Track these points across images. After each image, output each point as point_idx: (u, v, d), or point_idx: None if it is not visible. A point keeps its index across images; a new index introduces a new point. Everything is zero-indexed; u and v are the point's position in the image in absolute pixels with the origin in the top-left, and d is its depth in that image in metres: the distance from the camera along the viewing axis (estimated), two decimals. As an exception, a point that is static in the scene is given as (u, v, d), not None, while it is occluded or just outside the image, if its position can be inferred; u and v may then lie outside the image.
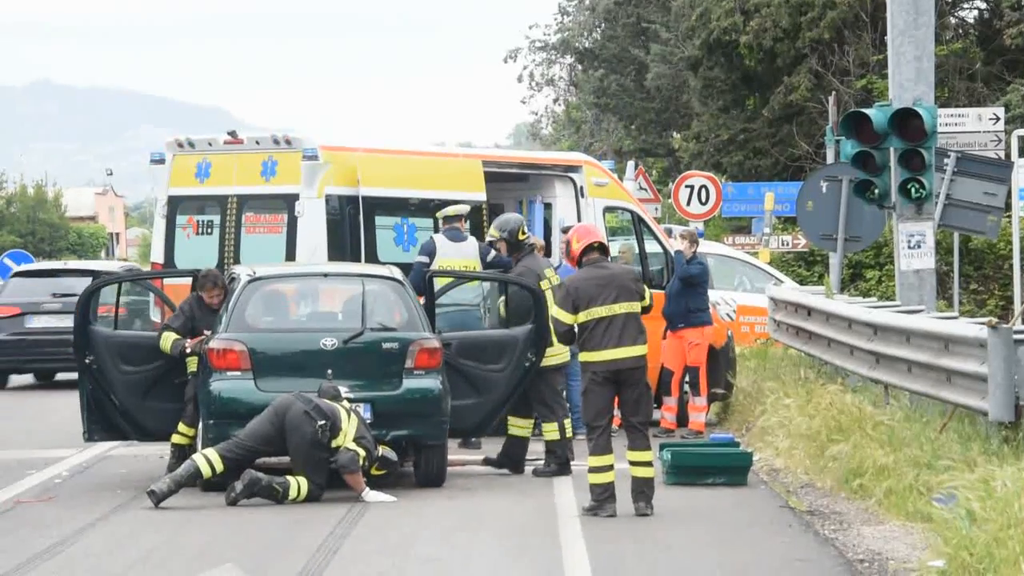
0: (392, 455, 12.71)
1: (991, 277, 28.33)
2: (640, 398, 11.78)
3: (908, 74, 16.44)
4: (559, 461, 13.64)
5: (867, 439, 12.89)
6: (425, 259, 14.82)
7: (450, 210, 15.21)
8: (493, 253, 14.86)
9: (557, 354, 13.85)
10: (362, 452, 12.41)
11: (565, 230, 16.53)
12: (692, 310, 16.69)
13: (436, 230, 16.14)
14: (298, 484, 12.32)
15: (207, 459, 12.32)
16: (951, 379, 12.85)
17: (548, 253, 17.39)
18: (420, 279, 14.04)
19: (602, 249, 11.99)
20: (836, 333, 16.27)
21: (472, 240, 15.18)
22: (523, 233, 14.57)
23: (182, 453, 13.29)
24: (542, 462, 13.84)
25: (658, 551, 10.54)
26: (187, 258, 15.84)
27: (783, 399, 15.52)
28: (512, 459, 13.88)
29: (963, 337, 12.59)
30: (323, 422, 12.29)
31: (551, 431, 13.65)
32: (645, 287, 12.03)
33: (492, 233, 14.71)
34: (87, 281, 20.42)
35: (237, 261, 15.57)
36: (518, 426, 13.88)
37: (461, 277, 14.61)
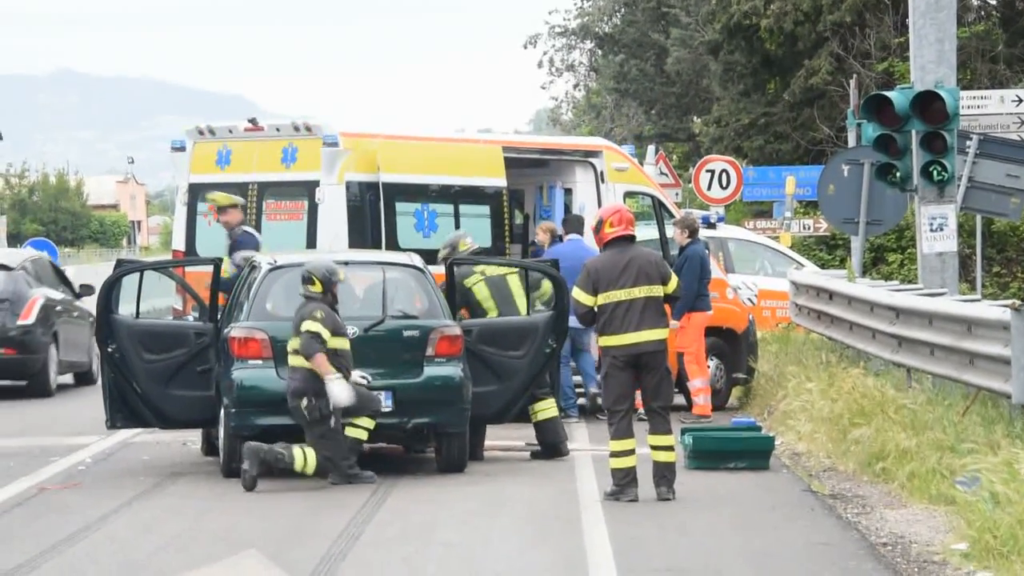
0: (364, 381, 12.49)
1: (1014, 260, 28.23)
2: (660, 382, 11.76)
3: (930, 56, 16.37)
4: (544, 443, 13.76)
5: (889, 422, 12.87)
6: (253, 254, 14.87)
7: (225, 199, 15.02)
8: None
9: None
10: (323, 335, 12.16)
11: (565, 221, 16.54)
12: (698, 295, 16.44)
13: (456, 218, 16.18)
14: (304, 454, 12.30)
15: (304, 453, 12.27)
16: (974, 362, 12.81)
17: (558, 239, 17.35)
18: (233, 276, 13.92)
19: (628, 236, 11.92)
20: (858, 317, 16.22)
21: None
22: (464, 246, 14.56)
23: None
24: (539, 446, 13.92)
25: (680, 535, 10.54)
26: (208, 245, 15.86)
27: (805, 383, 15.49)
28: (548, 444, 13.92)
29: (986, 320, 12.54)
30: (304, 400, 12.27)
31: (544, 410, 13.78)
32: (672, 273, 11.94)
33: (440, 253, 14.68)
34: None
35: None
36: (542, 409, 13.88)
37: (484, 263, 14.60)
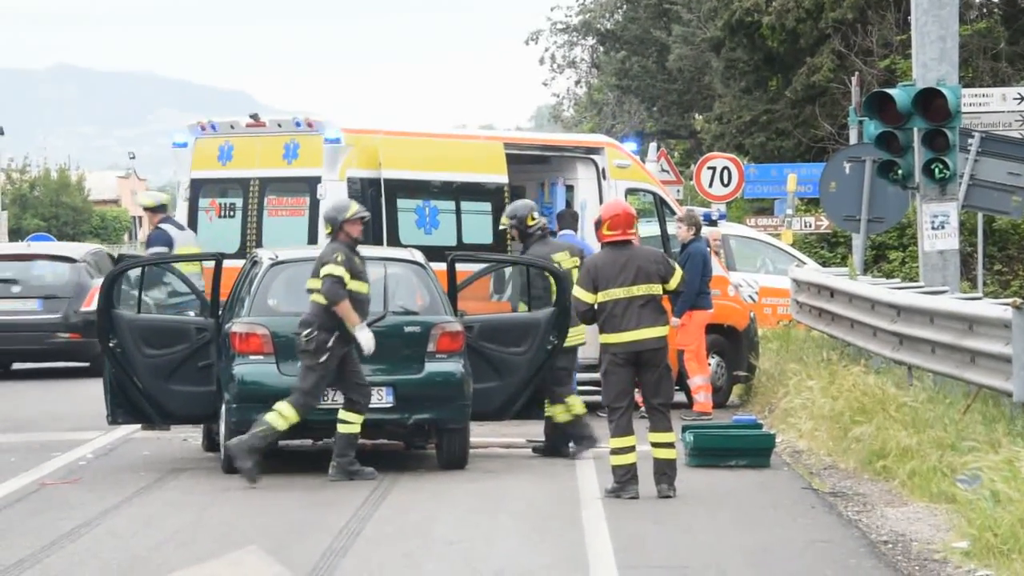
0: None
1: (1015, 258, 28.23)
2: (660, 380, 11.77)
3: (932, 54, 16.37)
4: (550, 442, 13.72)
5: (890, 420, 12.87)
6: (164, 250, 15.41)
7: (149, 201, 16.11)
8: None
9: (574, 336, 13.83)
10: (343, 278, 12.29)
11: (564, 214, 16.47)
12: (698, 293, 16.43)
13: (458, 215, 16.17)
14: (277, 412, 12.29)
15: (277, 412, 12.32)
16: (975, 360, 12.81)
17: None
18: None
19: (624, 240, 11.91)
20: (859, 314, 16.22)
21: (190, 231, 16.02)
22: (532, 219, 14.46)
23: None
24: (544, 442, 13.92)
25: (680, 533, 10.54)
26: (210, 241, 15.86)
27: (806, 381, 15.49)
28: (554, 444, 13.91)
29: (987, 318, 12.54)
30: (307, 330, 12.31)
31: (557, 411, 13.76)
32: (674, 269, 11.92)
33: (503, 221, 14.67)
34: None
35: (259, 244, 15.59)
36: (574, 407, 13.86)
37: (484, 260, 14.58)
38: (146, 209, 16.24)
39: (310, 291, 12.56)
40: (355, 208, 12.79)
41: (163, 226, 15.86)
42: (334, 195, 15.54)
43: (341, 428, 12.55)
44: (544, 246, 14.36)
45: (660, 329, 11.73)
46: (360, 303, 12.46)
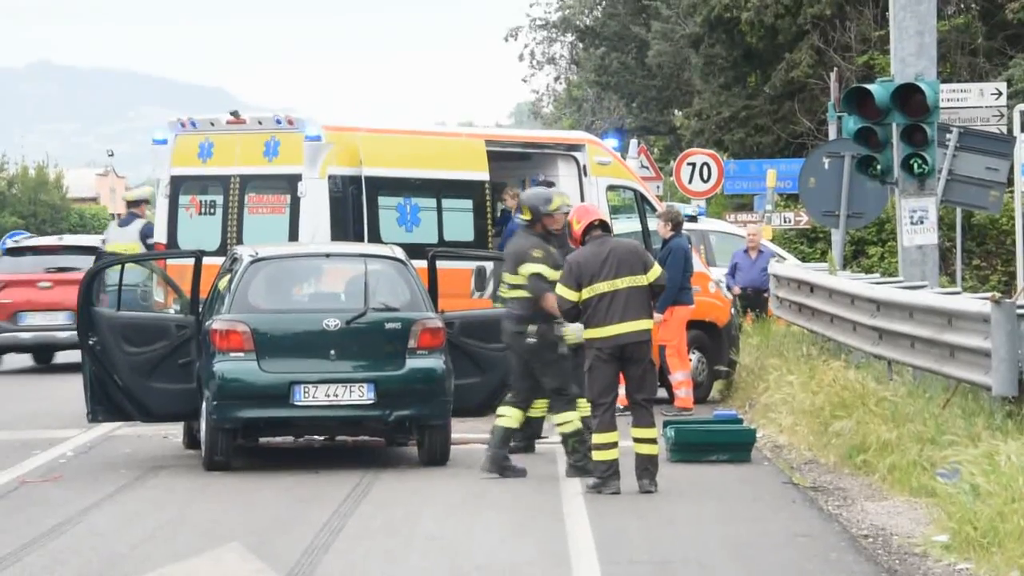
0: None
1: (994, 253, 28.31)
2: (645, 375, 11.79)
3: (910, 49, 16.41)
4: (526, 436, 13.62)
5: (870, 415, 12.91)
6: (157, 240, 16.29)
7: (130, 195, 17.10)
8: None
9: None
10: None
11: (545, 183, 16.34)
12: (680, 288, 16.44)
13: (439, 212, 16.19)
14: (567, 422, 12.27)
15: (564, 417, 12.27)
16: (954, 354, 12.85)
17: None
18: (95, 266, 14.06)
19: (604, 226, 11.98)
20: (839, 309, 16.27)
21: (136, 224, 17.05)
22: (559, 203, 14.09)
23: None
24: (542, 437, 13.91)
25: (662, 527, 10.56)
26: (190, 238, 15.84)
27: (786, 376, 15.53)
28: (529, 439, 13.89)
29: (966, 312, 12.59)
30: (531, 326, 12.21)
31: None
32: (654, 262, 11.96)
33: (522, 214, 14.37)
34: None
35: (240, 241, 15.57)
36: (536, 407, 13.84)
37: (465, 257, 14.56)
38: (128, 203, 16.87)
39: (512, 286, 12.35)
40: (558, 201, 12.53)
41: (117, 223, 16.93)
42: (314, 193, 15.55)
43: (499, 421, 12.50)
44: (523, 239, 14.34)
45: (644, 322, 11.75)
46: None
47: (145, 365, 13.28)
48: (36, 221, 74.92)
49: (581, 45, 51.91)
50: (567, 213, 12.40)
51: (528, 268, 12.28)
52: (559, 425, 12.47)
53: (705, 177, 27.52)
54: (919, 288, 15.00)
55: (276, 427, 13.20)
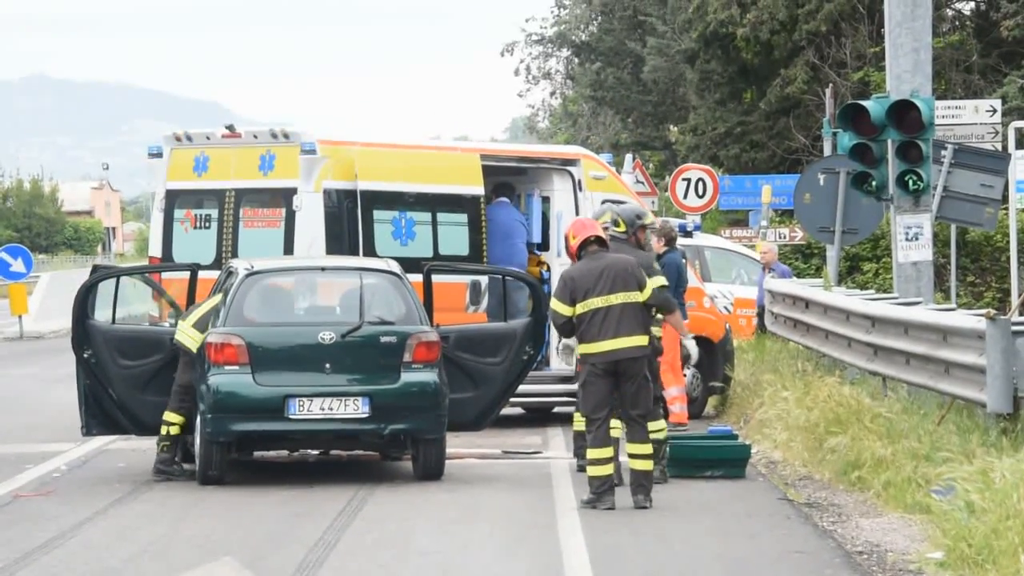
0: None
1: (988, 269, 28.33)
2: (639, 391, 11.78)
3: (905, 66, 16.44)
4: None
5: (865, 431, 12.90)
6: None
7: None
8: None
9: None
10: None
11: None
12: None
13: (434, 226, 16.19)
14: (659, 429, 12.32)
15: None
16: (949, 371, 12.86)
17: (546, 247, 17.38)
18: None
19: (600, 242, 11.98)
20: (834, 325, 16.27)
21: None
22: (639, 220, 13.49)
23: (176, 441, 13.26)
24: (536, 452, 13.88)
25: (656, 543, 10.55)
26: (185, 252, 15.83)
27: (781, 391, 15.52)
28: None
29: (961, 329, 12.59)
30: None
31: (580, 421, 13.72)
32: (647, 279, 11.90)
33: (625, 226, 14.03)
34: None
35: (235, 255, 15.56)
36: (579, 420, 13.79)
37: (460, 271, 14.56)
38: None
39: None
40: (651, 217, 12.97)
41: None
42: (309, 206, 15.54)
43: (657, 435, 12.37)
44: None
45: (638, 338, 11.74)
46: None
47: (140, 378, 13.26)
48: (31, 234, 74.87)
49: (577, 60, 51.97)
50: (654, 229, 12.85)
51: (659, 280, 12.23)
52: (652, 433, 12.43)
53: (700, 193, 27.54)
54: (914, 304, 15.00)
55: (271, 441, 13.18)
